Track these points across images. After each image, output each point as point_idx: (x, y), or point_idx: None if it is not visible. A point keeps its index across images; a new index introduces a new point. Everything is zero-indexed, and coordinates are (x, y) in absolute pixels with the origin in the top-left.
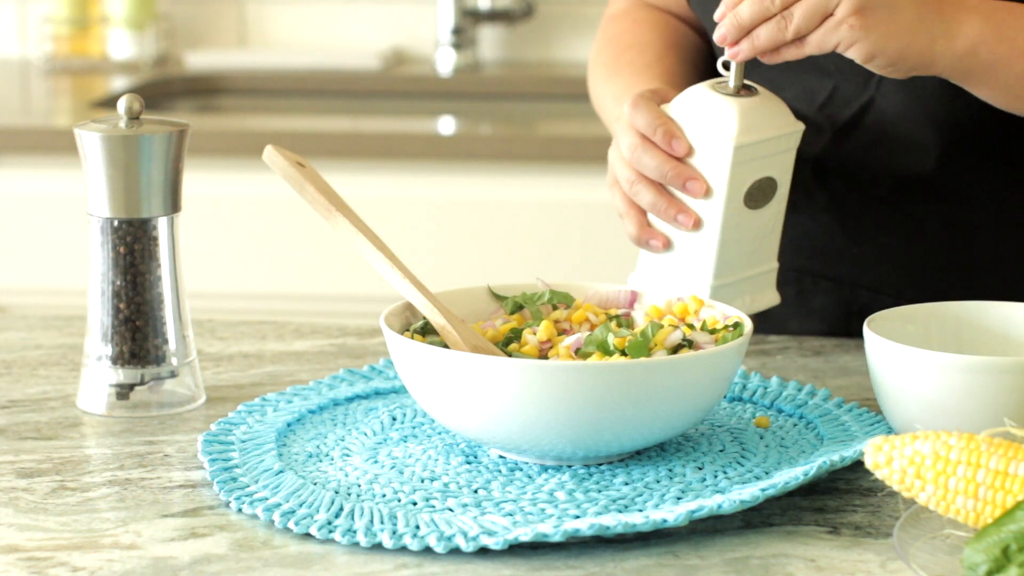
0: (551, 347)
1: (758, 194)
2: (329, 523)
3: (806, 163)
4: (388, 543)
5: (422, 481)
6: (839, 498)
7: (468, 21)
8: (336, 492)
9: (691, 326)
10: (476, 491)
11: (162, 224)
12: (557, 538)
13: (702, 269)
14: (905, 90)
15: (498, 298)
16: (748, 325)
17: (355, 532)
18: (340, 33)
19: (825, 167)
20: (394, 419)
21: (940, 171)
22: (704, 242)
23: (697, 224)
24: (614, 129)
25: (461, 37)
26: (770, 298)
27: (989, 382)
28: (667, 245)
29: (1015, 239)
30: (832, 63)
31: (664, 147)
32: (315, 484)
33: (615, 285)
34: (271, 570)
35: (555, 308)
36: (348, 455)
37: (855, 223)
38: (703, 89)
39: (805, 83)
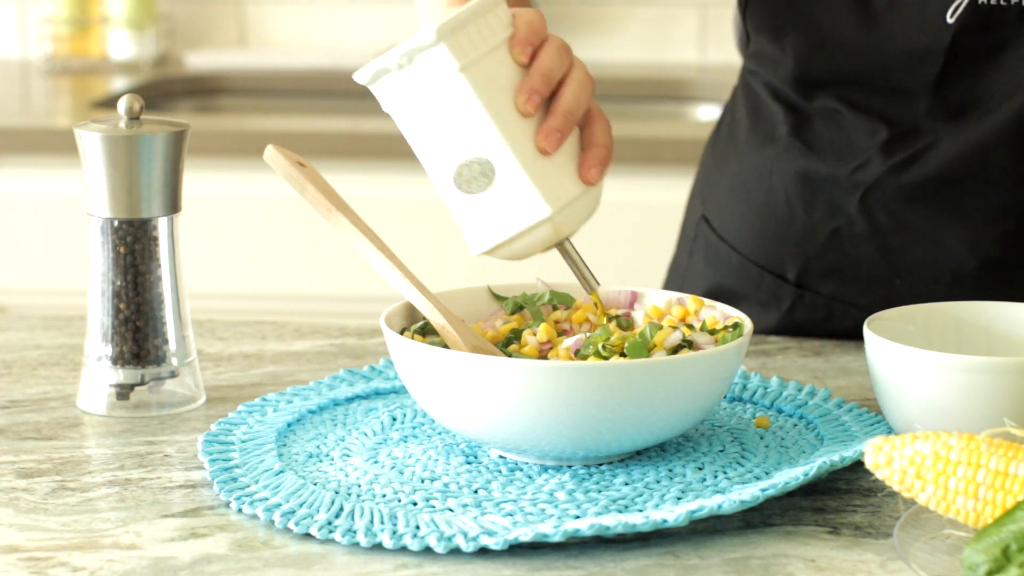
0: (551, 348)
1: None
2: (329, 523)
3: (854, 191)
4: (388, 543)
5: (422, 481)
6: (839, 498)
7: None
8: (336, 492)
9: (691, 327)
10: (476, 491)
11: (162, 224)
12: (557, 538)
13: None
14: (973, 138)
15: (498, 298)
16: (748, 325)
17: (355, 532)
18: (340, 33)
19: (874, 198)
20: (394, 419)
21: (998, 218)
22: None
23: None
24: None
25: None
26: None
27: (989, 382)
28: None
29: None
30: (927, 103)
31: None
32: (315, 484)
33: (615, 286)
34: (271, 570)
35: (555, 309)
36: (348, 455)
37: (902, 256)
38: None
39: (883, 111)
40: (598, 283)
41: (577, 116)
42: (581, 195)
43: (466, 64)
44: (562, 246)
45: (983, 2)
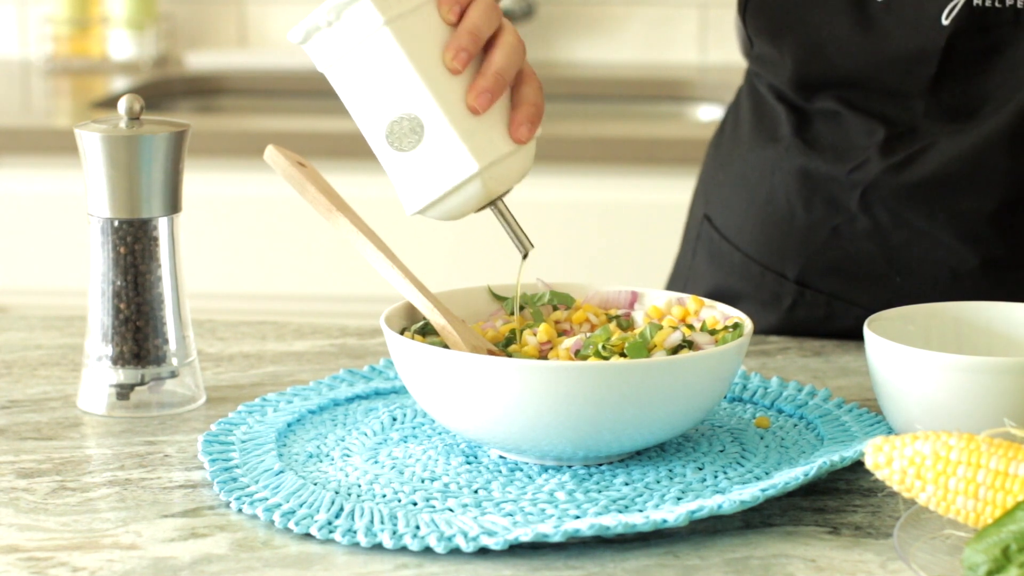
0: (551, 348)
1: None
2: (329, 523)
3: (854, 190)
4: (388, 543)
5: (422, 481)
6: (839, 498)
7: None
8: (336, 492)
9: (691, 327)
10: (476, 491)
11: (162, 224)
12: (557, 538)
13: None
14: (971, 138)
15: (498, 298)
16: (748, 326)
17: (355, 532)
18: None
19: (874, 197)
20: (394, 419)
21: (996, 217)
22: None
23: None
24: None
25: None
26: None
27: (989, 382)
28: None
29: None
30: (924, 104)
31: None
32: (315, 484)
33: (615, 286)
34: (271, 570)
35: (555, 309)
36: (348, 455)
37: (903, 253)
38: None
39: (881, 112)
40: (532, 245)
41: (509, 78)
42: (511, 153)
43: (391, 17)
44: (495, 206)
45: (978, 4)
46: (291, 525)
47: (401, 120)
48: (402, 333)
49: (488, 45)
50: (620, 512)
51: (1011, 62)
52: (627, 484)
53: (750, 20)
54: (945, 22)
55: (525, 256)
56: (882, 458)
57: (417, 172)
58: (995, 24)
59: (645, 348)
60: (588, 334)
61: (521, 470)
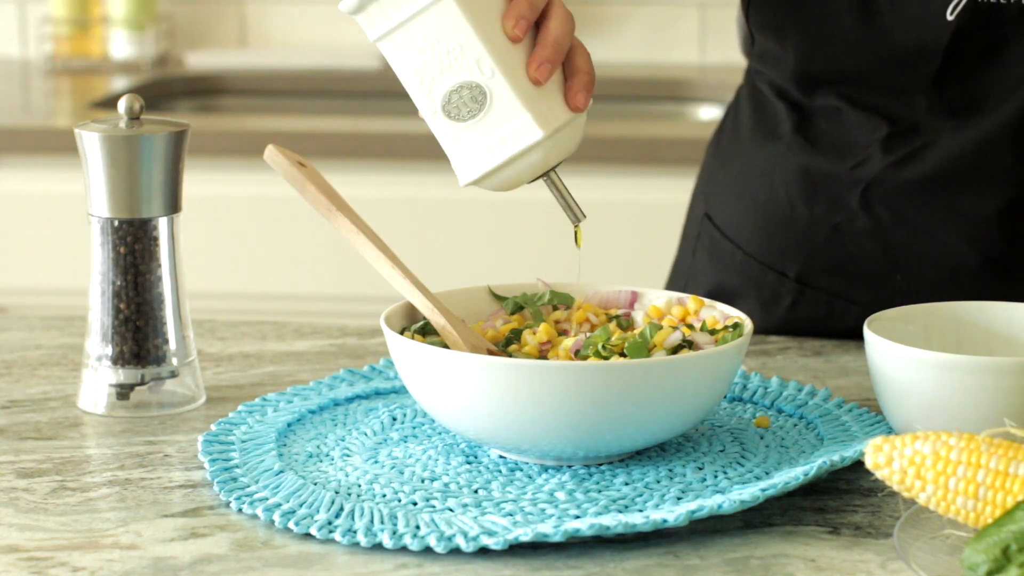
0: (551, 348)
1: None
2: (329, 523)
3: (855, 187)
4: (388, 543)
5: (422, 481)
6: (839, 498)
7: None
8: (336, 492)
9: (691, 327)
10: (476, 491)
11: (162, 224)
12: (557, 538)
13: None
14: (973, 135)
15: (498, 298)
16: (748, 325)
17: (355, 532)
18: (340, 33)
19: (875, 194)
20: (394, 419)
21: (998, 215)
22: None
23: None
24: None
25: None
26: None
27: (989, 382)
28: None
29: None
30: (926, 100)
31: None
32: (315, 484)
33: (615, 286)
34: (271, 570)
35: (555, 309)
36: (348, 455)
37: (904, 251)
38: None
39: (883, 109)
40: (584, 215)
41: (565, 48)
42: (570, 122)
43: None
44: (548, 177)
45: (983, 0)
46: (291, 525)
47: (461, 89)
48: (402, 333)
49: (539, 17)
50: (620, 512)
51: (1015, 59)
52: (627, 484)
53: (753, 15)
54: (949, 18)
55: (577, 225)
56: (882, 458)
57: (476, 141)
58: (999, 20)
59: (645, 348)
60: (588, 334)
61: (521, 470)
